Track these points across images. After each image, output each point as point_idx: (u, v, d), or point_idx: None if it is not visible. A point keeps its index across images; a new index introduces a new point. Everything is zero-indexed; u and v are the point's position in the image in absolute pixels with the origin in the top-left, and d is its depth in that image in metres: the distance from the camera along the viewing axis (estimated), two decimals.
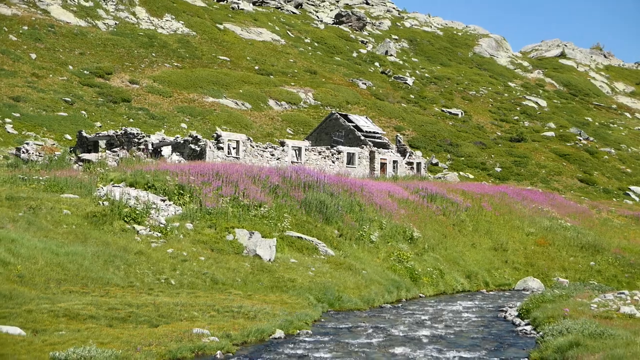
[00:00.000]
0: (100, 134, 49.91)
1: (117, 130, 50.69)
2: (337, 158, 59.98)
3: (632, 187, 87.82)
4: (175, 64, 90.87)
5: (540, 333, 21.67)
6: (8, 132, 54.92)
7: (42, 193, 32.46)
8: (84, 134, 50.96)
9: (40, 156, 47.95)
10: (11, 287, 21.25)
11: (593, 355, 16.09)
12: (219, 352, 16.99)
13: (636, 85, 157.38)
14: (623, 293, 31.80)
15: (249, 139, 55.46)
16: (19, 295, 20.59)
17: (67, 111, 64.47)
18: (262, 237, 32.63)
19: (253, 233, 32.63)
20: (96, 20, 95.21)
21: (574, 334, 19.03)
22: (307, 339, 20.33)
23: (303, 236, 35.59)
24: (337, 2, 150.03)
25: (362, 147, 63.90)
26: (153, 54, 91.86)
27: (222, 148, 50.15)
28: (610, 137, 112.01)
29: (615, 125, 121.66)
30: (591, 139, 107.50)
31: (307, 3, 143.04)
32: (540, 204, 57.57)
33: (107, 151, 47.59)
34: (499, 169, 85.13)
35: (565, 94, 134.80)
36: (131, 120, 66.08)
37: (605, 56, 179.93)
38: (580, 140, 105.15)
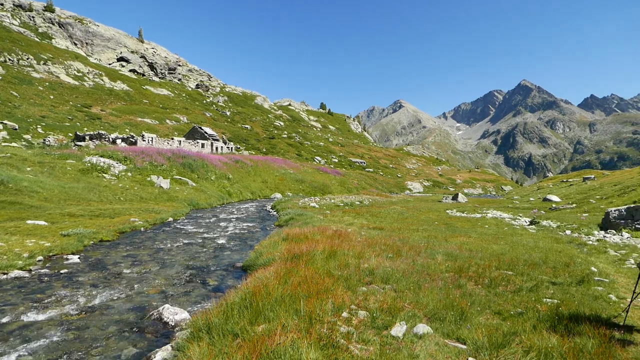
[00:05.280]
0: (86, 134, 43.75)
1: (92, 132, 44.87)
2: (197, 145, 57.19)
3: (316, 158, 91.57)
4: (123, 103, 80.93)
5: (279, 214, 22.42)
6: (39, 131, 46.54)
7: (56, 160, 28.20)
8: (78, 133, 44.30)
9: (56, 144, 41.48)
10: (41, 203, 18.60)
11: (298, 222, 16.98)
12: (142, 228, 16.00)
13: (318, 116, 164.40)
14: (312, 198, 33.61)
15: (157, 136, 51.41)
16: (44, 207, 18.07)
17: (69, 122, 55.48)
18: (163, 178, 30.61)
19: (159, 177, 30.50)
20: (82, 81, 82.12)
21: (291, 214, 19.90)
22: (183, 220, 19.50)
23: (182, 178, 33.76)
24: (196, 79, 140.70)
25: (208, 140, 61.39)
26: (114, 99, 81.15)
27: (145, 140, 46.07)
28: (309, 137, 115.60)
29: (310, 133, 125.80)
30: (300, 138, 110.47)
31: (184, 78, 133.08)
32: (280, 164, 58.62)
33: (90, 141, 42.08)
34: (264, 150, 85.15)
35: (291, 121, 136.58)
36: (101, 127, 58.34)
37: (305, 105, 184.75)
38: (296, 138, 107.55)
